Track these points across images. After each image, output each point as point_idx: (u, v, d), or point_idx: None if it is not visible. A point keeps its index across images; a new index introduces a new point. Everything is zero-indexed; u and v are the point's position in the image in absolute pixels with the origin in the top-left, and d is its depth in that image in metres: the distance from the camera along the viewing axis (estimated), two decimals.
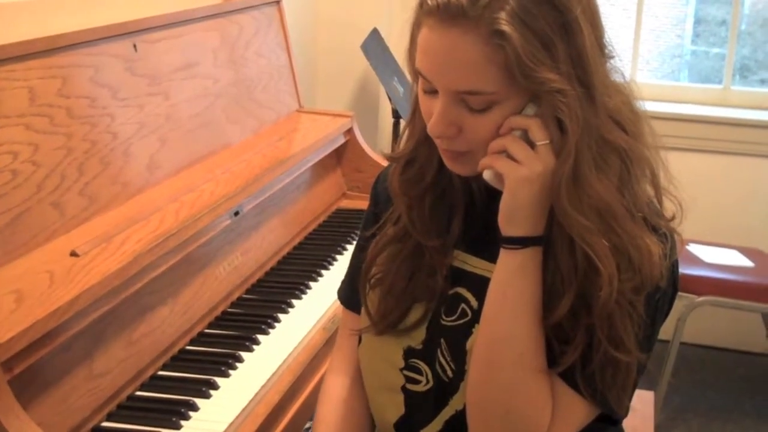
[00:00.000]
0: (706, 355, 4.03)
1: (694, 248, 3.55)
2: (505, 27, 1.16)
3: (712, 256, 3.54)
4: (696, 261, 3.47)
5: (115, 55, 2.02)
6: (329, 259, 2.41)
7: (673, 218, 1.33)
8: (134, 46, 2.08)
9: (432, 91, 1.26)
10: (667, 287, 1.31)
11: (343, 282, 1.60)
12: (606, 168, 1.24)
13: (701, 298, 3.34)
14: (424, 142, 1.36)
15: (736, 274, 3.46)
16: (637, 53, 4.11)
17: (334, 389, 1.52)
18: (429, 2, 1.21)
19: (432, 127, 1.27)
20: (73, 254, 1.67)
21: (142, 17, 2.14)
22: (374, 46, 3.49)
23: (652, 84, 4.39)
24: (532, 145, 1.24)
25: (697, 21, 5.28)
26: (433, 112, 1.26)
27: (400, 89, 3.44)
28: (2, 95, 1.68)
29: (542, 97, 1.21)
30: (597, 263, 1.22)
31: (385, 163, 1.58)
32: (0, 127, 1.66)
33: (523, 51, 1.17)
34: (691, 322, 3.41)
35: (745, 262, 3.55)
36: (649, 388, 2.25)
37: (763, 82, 4.59)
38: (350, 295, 1.55)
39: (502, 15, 1.17)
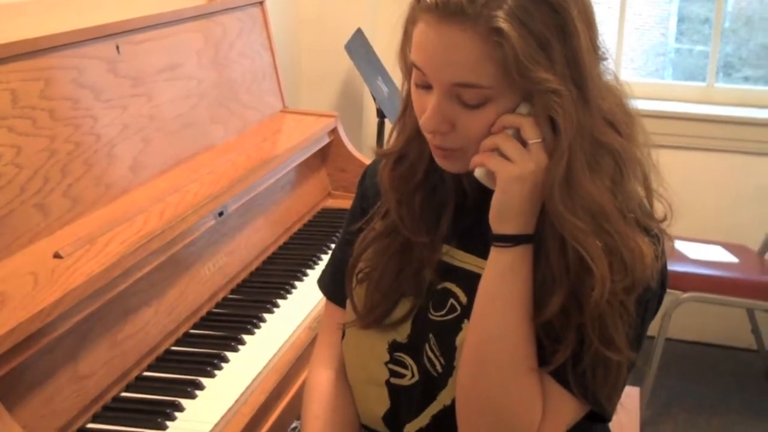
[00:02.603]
0: (691, 350, 4.05)
1: (679, 245, 3.56)
2: (503, 24, 1.17)
3: (697, 253, 3.56)
4: (681, 257, 3.49)
5: (98, 56, 2.01)
6: (314, 258, 2.41)
7: (664, 219, 1.34)
8: (117, 47, 2.07)
9: (425, 86, 1.26)
10: (657, 287, 1.32)
11: (326, 274, 1.60)
12: (599, 169, 1.25)
13: (687, 294, 3.36)
14: (415, 138, 1.36)
15: (721, 270, 3.48)
16: (620, 51, 4.13)
17: (322, 383, 1.52)
18: None
19: (425, 121, 1.27)
20: (57, 256, 1.67)
21: (125, 19, 2.13)
22: (358, 46, 3.49)
23: (636, 82, 4.41)
24: (524, 143, 1.24)
25: (681, 19, 5.29)
26: (426, 107, 1.26)
27: (385, 89, 3.44)
28: None
29: (536, 96, 1.21)
30: (590, 263, 1.22)
31: (369, 161, 1.58)
32: None
33: (521, 49, 1.17)
34: (676, 318, 3.42)
35: (730, 258, 3.57)
36: (635, 384, 2.26)
37: (746, 79, 4.61)
38: (334, 288, 1.55)
39: (500, 13, 1.17)
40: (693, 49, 5.17)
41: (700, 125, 3.97)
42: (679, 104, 4.05)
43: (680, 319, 3.58)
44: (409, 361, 1.41)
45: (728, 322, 3.97)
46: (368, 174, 1.54)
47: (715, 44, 4.08)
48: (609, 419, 1.37)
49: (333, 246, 2.46)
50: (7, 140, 1.70)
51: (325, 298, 1.60)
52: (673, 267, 3.30)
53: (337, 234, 2.52)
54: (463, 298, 1.37)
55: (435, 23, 1.21)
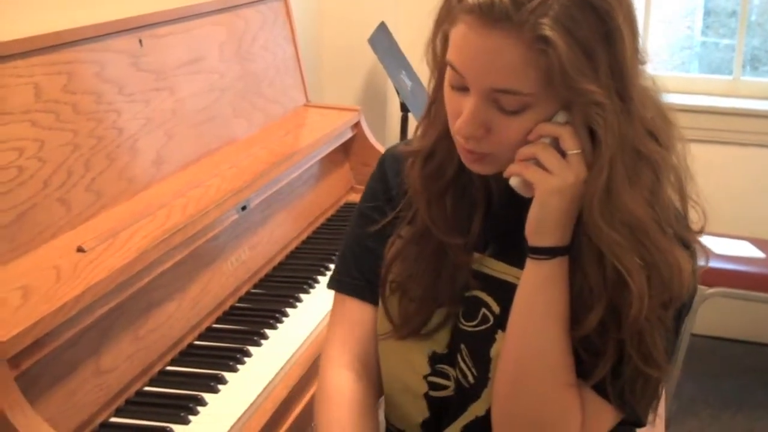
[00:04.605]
0: (716, 346, 4.02)
1: (704, 239, 3.52)
2: (549, 33, 1.12)
3: (723, 248, 3.53)
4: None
5: (121, 50, 2.01)
6: (337, 253, 2.40)
7: (701, 231, 1.31)
8: (140, 41, 2.07)
9: (461, 88, 1.22)
10: (690, 299, 1.30)
11: (340, 270, 1.52)
12: (638, 182, 1.21)
13: (712, 290, 3.33)
14: (444, 136, 1.31)
15: (746, 265, 3.45)
16: (646, 45, 4.09)
17: (343, 387, 1.44)
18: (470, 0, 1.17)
19: (460, 126, 1.22)
20: (80, 250, 1.67)
21: (148, 12, 2.13)
22: (382, 40, 3.48)
23: (661, 75, 4.37)
24: (562, 153, 1.21)
25: (707, 12, 5.25)
26: (461, 110, 1.22)
27: (408, 83, 3.43)
28: (7, 92, 1.68)
29: (577, 106, 1.18)
30: (627, 279, 1.20)
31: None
32: (5, 123, 1.66)
33: (567, 59, 1.13)
34: (702, 314, 3.40)
35: (756, 252, 3.54)
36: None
37: None
38: (350, 281, 1.48)
39: (546, 20, 1.13)
40: (719, 42, 5.13)
41: (725, 119, 3.94)
42: (704, 98, 4.02)
43: (705, 314, 3.55)
44: (451, 372, 1.38)
45: (754, 318, 3.94)
46: (386, 167, 1.48)
47: (741, 37, 4.04)
48: (643, 425, 1.34)
49: None
50: (31, 134, 1.71)
51: (335, 294, 1.52)
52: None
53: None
54: (496, 308, 1.34)
55: (478, 27, 1.16)
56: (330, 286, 1.53)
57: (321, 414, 1.43)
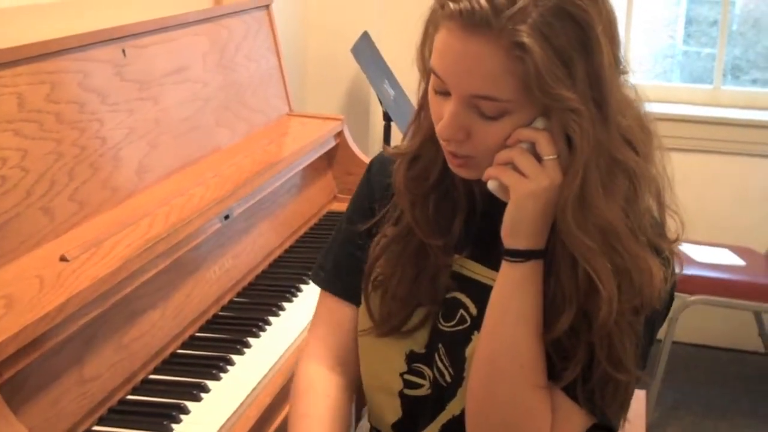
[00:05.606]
0: (698, 353, 4.04)
1: (685, 248, 3.55)
2: (527, 40, 1.15)
3: (704, 256, 3.55)
4: (688, 260, 3.48)
5: (104, 60, 2.02)
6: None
7: (676, 240, 1.33)
8: (123, 51, 2.08)
9: (444, 93, 1.25)
10: (664, 307, 1.32)
11: (324, 269, 1.55)
12: (613, 188, 1.24)
13: (693, 297, 3.36)
14: (430, 140, 1.34)
15: (727, 273, 3.47)
16: (628, 54, 4.11)
17: (315, 381, 1.48)
18: (451, 6, 1.19)
19: (441, 129, 1.26)
20: (63, 259, 1.67)
21: (131, 22, 2.14)
22: (365, 49, 3.50)
23: (643, 85, 4.39)
24: (539, 158, 1.23)
25: (689, 21, 5.29)
26: (443, 113, 1.25)
27: (391, 92, 3.45)
28: None
29: (554, 112, 1.20)
30: (597, 284, 1.22)
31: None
32: None
33: (543, 66, 1.16)
34: (683, 321, 3.42)
35: (737, 260, 3.56)
36: (641, 387, 2.25)
37: (754, 81, 4.60)
38: (337, 282, 1.52)
39: (524, 27, 1.15)
40: (701, 51, 5.16)
41: (706, 128, 3.97)
42: (686, 107, 4.05)
43: (687, 322, 3.57)
44: (427, 371, 1.40)
45: (735, 325, 3.96)
46: (374, 169, 1.52)
47: (722, 46, 4.07)
48: (615, 431, 1.36)
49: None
50: (14, 143, 1.71)
51: (321, 291, 1.55)
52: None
53: None
54: (474, 310, 1.37)
55: (458, 32, 1.19)
56: (315, 281, 1.57)
57: (292, 406, 1.48)
